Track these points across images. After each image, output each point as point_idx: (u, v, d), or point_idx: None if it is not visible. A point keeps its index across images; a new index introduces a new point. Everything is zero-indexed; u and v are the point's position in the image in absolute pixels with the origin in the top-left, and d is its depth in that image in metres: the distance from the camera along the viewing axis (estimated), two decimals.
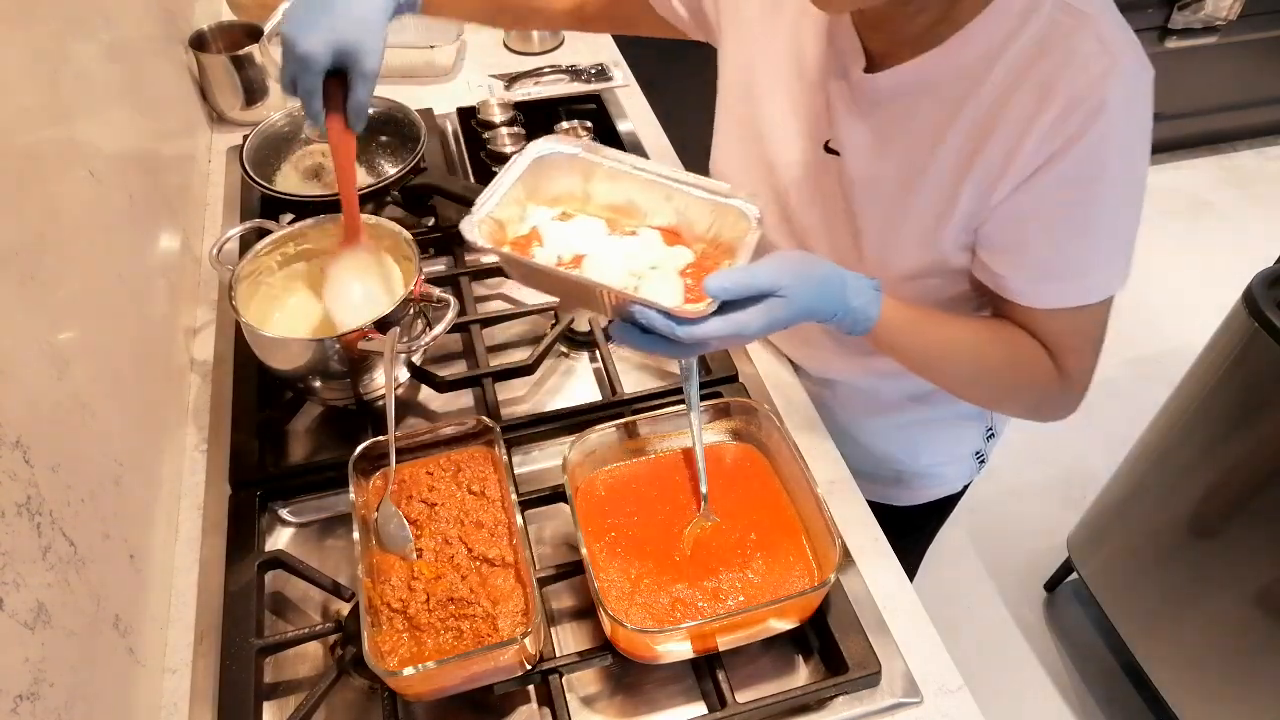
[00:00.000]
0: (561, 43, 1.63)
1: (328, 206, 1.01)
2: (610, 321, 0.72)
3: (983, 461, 1.14)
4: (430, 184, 1.16)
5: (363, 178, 1.15)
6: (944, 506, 1.20)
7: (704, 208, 0.76)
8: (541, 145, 0.79)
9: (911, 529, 1.22)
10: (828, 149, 0.84)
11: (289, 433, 0.98)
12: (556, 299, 0.85)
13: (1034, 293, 0.77)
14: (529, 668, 0.73)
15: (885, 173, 0.81)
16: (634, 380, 1.03)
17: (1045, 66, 0.69)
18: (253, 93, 1.38)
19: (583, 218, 0.79)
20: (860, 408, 1.04)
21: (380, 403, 0.94)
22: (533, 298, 1.10)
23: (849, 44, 0.79)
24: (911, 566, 1.37)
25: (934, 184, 0.77)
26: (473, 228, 0.71)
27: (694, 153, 1.33)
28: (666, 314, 0.64)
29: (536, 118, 1.40)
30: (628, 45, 1.63)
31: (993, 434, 1.10)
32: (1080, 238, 0.74)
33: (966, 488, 1.18)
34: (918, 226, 0.80)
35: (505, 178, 0.76)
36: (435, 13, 1.00)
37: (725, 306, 0.66)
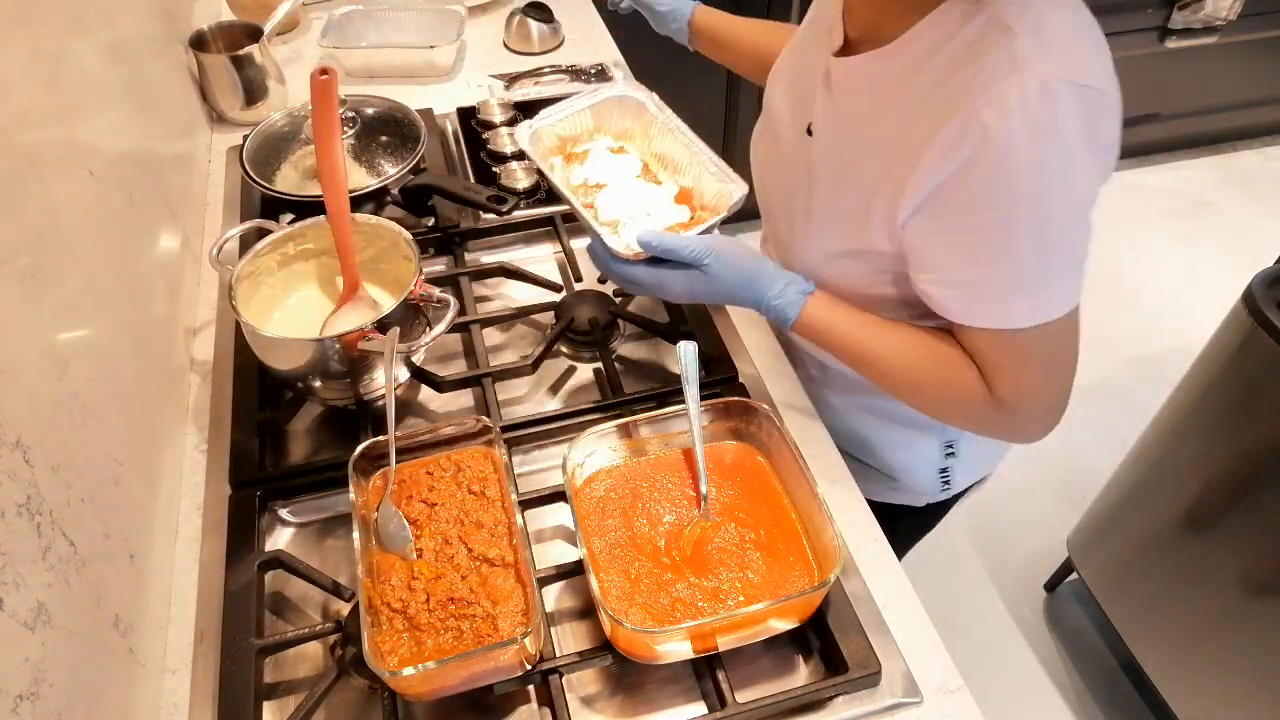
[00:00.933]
0: (561, 42, 1.63)
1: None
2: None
3: (947, 483, 1.11)
4: (430, 184, 1.16)
5: (363, 178, 1.15)
6: (911, 520, 1.18)
7: (712, 181, 0.89)
8: (619, 88, 0.94)
9: (902, 527, 1.21)
10: (809, 132, 0.89)
11: (289, 433, 0.98)
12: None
13: (960, 311, 0.78)
14: (529, 668, 0.73)
15: (834, 156, 0.85)
16: (634, 380, 1.03)
17: (957, 80, 0.69)
18: (253, 93, 1.38)
19: (630, 155, 0.95)
20: (846, 388, 1.05)
21: (380, 403, 0.94)
22: (533, 297, 1.10)
23: (834, 24, 0.83)
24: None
25: (863, 176, 0.80)
26: (526, 135, 0.87)
27: None
28: (607, 249, 0.82)
29: None
30: (628, 45, 1.63)
31: (953, 453, 1.07)
32: (996, 263, 0.73)
33: (933, 508, 1.16)
34: (847, 213, 0.84)
35: (578, 102, 0.91)
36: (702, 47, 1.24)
37: (657, 261, 0.81)
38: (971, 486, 1.16)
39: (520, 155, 1.31)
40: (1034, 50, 0.67)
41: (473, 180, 1.27)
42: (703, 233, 0.85)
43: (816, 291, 0.86)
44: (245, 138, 1.17)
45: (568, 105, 0.91)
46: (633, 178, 0.92)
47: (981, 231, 0.72)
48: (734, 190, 0.86)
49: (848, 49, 0.82)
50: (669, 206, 0.89)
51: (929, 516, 1.20)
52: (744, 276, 0.82)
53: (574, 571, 0.80)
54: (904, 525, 1.19)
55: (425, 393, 1.02)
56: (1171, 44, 2.70)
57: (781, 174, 0.96)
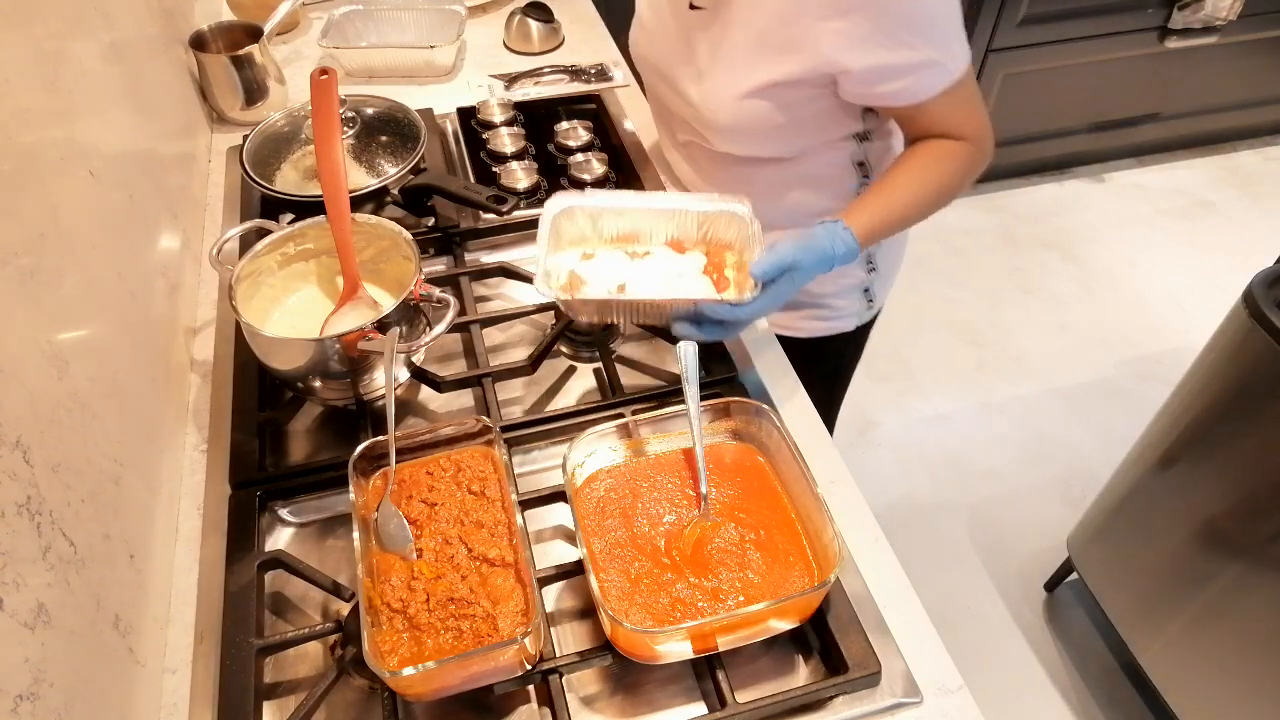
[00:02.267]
0: (561, 42, 1.63)
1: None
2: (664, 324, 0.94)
3: (870, 301, 1.27)
4: (430, 184, 1.15)
5: (363, 178, 1.15)
6: (843, 346, 1.34)
7: (693, 217, 0.99)
8: (557, 202, 0.97)
9: (815, 364, 1.29)
10: (692, 6, 1.03)
11: (289, 433, 0.98)
12: (592, 317, 1.00)
13: (912, 93, 0.94)
14: (529, 668, 0.73)
15: (733, 13, 0.98)
16: (634, 380, 1.03)
17: None
18: (253, 93, 1.38)
19: (602, 252, 1.00)
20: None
21: (380, 403, 0.94)
22: (532, 298, 1.10)
23: None
24: (821, 402, 1.41)
25: (777, 12, 0.94)
26: (545, 285, 0.90)
27: None
28: (731, 304, 0.90)
29: (536, 118, 1.40)
30: (628, 45, 1.63)
31: (874, 268, 1.24)
32: (925, 36, 0.91)
33: (861, 330, 1.32)
34: (759, 53, 0.97)
35: (541, 236, 0.94)
36: None
37: (763, 285, 0.90)
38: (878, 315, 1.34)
39: (520, 155, 1.31)
40: None
41: (473, 180, 1.27)
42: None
43: (840, 216, 0.97)
44: (245, 138, 1.17)
45: (540, 244, 0.94)
46: (629, 265, 0.99)
47: (885, 25, 0.90)
48: (732, 206, 0.97)
49: None
50: (682, 260, 0.99)
51: (859, 340, 1.36)
52: (818, 253, 0.93)
53: (574, 571, 0.80)
54: (839, 354, 1.37)
55: (425, 393, 1.02)
56: (1171, 44, 2.70)
57: (669, 48, 1.09)
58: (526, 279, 1.11)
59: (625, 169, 1.31)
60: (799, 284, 0.93)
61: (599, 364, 1.04)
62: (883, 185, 1.00)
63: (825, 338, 1.29)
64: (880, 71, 0.93)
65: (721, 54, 1.00)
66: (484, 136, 1.35)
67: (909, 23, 0.90)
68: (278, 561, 0.83)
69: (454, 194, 1.14)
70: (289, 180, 1.15)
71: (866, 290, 1.26)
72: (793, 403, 1.00)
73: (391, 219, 0.98)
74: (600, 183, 1.26)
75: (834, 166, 1.12)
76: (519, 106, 1.41)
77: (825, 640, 0.78)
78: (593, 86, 1.50)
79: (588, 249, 0.99)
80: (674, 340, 0.90)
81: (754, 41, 0.97)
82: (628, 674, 0.79)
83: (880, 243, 1.19)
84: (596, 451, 0.84)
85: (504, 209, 1.08)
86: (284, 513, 0.91)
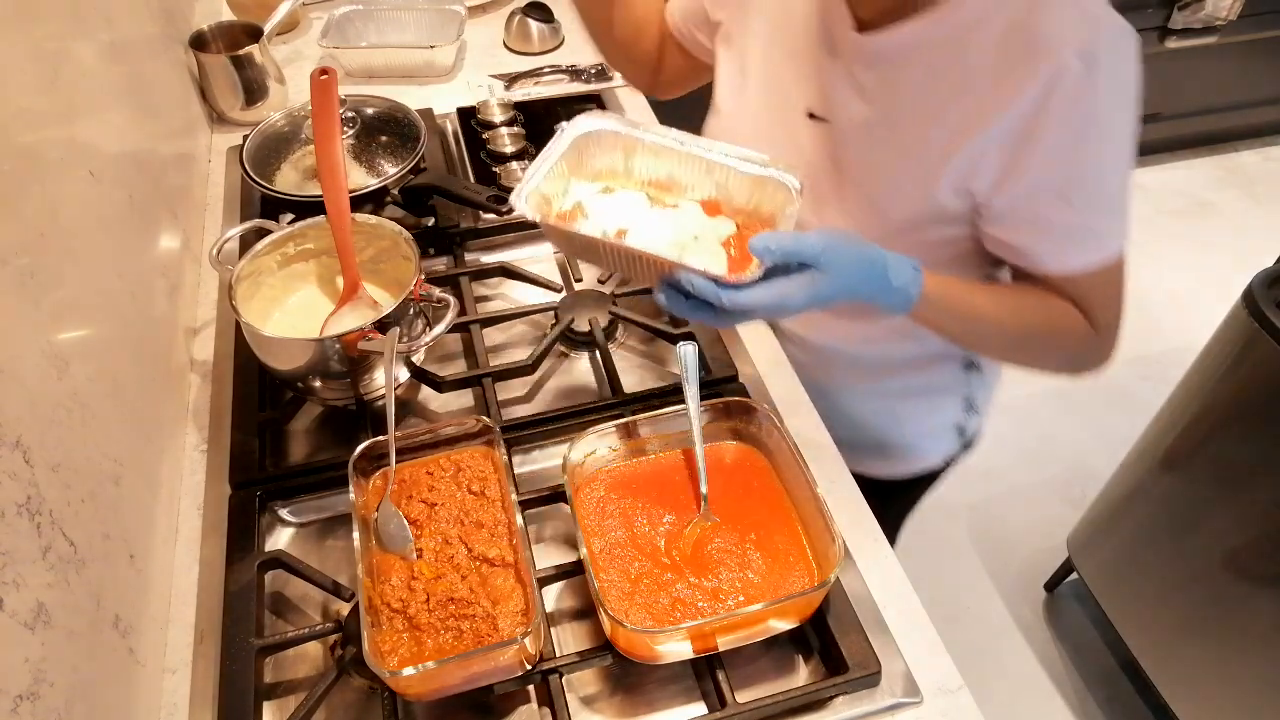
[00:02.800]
0: (561, 42, 1.63)
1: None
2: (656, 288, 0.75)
3: (966, 440, 1.15)
4: (430, 184, 1.15)
5: (363, 178, 1.15)
6: (925, 482, 1.21)
7: (744, 180, 0.81)
8: (584, 122, 0.82)
9: (892, 502, 1.23)
10: (812, 116, 0.89)
11: (289, 433, 0.98)
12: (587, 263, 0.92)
13: (1059, 260, 0.80)
14: (529, 668, 0.73)
15: (874, 131, 0.84)
16: (634, 380, 1.03)
17: (1030, 34, 0.73)
18: (253, 93, 1.38)
19: (625, 192, 0.85)
20: (845, 374, 1.06)
21: (380, 403, 0.94)
22: (533, 298, 1.10)
23: (837, 10, 0.83)
24: (888, 523, 1.38)
25: (927, 139, 0.81)
26: (522, 200, 0.75)
27: None
28: (714, 280, 0.67)
29: (536, 118, 1.40)
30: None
31: (973, 408, 1.11)
32: (1090, 199, 0.77)
33: (949, 465, 1.18)
34: (910, 178, 0.83)
35: (550, 152, 0.80)
36: None
37: (770, 275, 0.68)
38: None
39: (520, 155, 1.31)
40: (1099, 4, 0.74)
41: (473, 180, 1.27)
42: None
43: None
44: (245, 138, 1.17)
45: (541, 161, 0.79)
46: (646, 211, 0.83)
47: (1075, 169, 0.76)
48: (784, 176, 0.78)
49: (860, 28, 0.82)
50: (707, 222, 0.81)
51: (938, 475, 1.21)
52: (862, 264, 0.72)
53: (574, 571, 0.80)
54: (921, 488, 1.23)
55: (425, 393, 1.02)
56: (1171, 44, 2.70)
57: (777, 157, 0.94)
58: (527, 279, 1.11)
59: None
60: (821, 296, 0.69)
61: (599, 364, 1.04)
62: (976, 284, 0.84)
63: (907, 480, 1.17)
64: (1034, 223, 0.79)
65: (858, 180, 0.87)
66: (484, 136, 1.35)
67: (1083, 181, 0.77)
68: (278, 561, 0.83)
69: (454, 194, 1.14)
70: (289, 180, 1.15)
71: (962, 430, 1.11)
72: (793, 403, 1.00)
73: (391, 219, 0.98)
74: None
75: None
76: (519, 106, 1.41)
77: (825, 640, 0.78)
78: (593, 86, 1.50)
79: (611, 184, 0.85)
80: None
81: (902, 168, 0.84)
82: (628, 674, 0.78)
83: (981, 377, 1.06)
84: (596, 451, 0.84)
85: (504, 209, 1.08)
86: (284, 513, 0.91)
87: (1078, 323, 0.83)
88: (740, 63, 0.96)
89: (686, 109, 1.04)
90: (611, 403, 0.96)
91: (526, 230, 1.21)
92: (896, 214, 0.86)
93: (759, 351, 1.05)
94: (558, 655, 0.76)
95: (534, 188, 0.77)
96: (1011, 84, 0.74)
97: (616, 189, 0.85)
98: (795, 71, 0.89)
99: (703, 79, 1.08)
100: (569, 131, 0.82)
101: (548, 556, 0.86)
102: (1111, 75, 0.73)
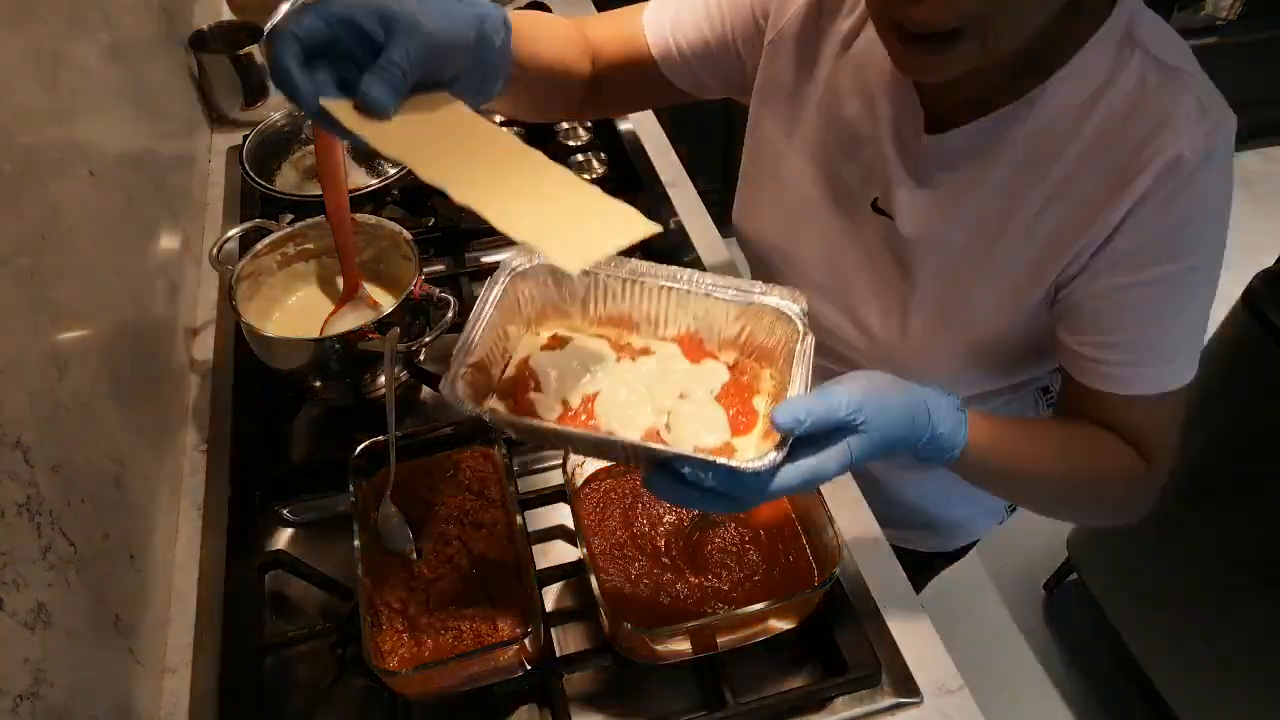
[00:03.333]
0: None
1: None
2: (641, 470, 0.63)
3: (1013, 510, 1.09)
4: (430, 184, 1.15)
5: (363, 178, 1.15)
6: (961, 552, 1.17)
7: (729, 310, 0.65)
8: (518, 260, 0.66)
9: (931, 570, 1.20)
10: (875, 208, 0.78)
11: (289, 433, 0.98)
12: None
13: (1125, 378, 0.71)
14: (529, 668, 0.73)
15: (951, 237, 0.75)
16: None
17: (1138, 129, 0.65)
18: (253, 93, 1.38)
19: (580, 339, 0.67)
20: (896, 464, 0.99)
21: (380, 403, 0.94)
22: None
23: (906, 102, 0.73)
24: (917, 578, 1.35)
25: (1015, 255, 0.72)
26: (452, 386, 0.58)
27: (694, 152, 1.33)
28: (734, 469, 0.53)
29: None
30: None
31: None
32: (1174, 317, 0.69)
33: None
34: (993, 295, 0.74)
35: (480, 310, 0.63)
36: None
37: (795, 445, 0.55)
38: None
39: None
40: (1211, 91, 0.66)
41: None
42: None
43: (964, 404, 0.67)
44: (245, 138, 1.17)
45: (471, 326, 0.63)
46: (612, 365, 0.65)
47: (1171, 284, 0.68)
48: (783, 303, 0.64)
49: (932, 122, 0.73)
50: (692, 372, 0.65)
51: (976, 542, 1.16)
52: (903, 413, 0.59)
53: (574, 571, 0.80)
54: (950, 560, 1.18)
55: (425, 393, 1.02)
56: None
57: (827, 249, 0.84)
58: None
59: (625, 169, 1.31)
60: (858, 459, 0.58)
61: None
62: (1023, 425, 0.73)
63: (949, 552, 1.11)
64: (1111, 332, 0.70)
65: (930, 291, 0.78)
66: None
67: (1173, 295, 0.68)
68: (278, 561, 0.83)
69: None
70: (289, 180, 1.15)
71: (1011, 505, 1.05)
72: None
73: (391, 219, 0.98)
74: (599, 183, 1.26)
75: (1010, 405, 0.92)
76: None
77: (825, 640, 0.77)
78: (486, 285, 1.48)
79: (562, 331, 0.69)
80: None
81: (982, 286, 0.75)
82: (628, 674, 0.78)
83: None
84: None
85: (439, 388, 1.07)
86: (284, 513, 0.91)
87: (1133, 469, 0.74)
88: (786, 125, 0.84)
89: (689, 106, 0.98)
90: None
91: None
92: (973, 334, 0.77)
93: None
94: (558, 655, 0.76)
95: (465, 364, 0.60)
96: (1116, 184, 0.66)
97: (570, 337, 0.67)
98: (858, 161, 0.79)
99: (650, 106, 0.97)
100: (500, 276, 0.65)
101: (548, 556, 0.86)
102: (1220, 184, 0.66)
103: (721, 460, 0.54)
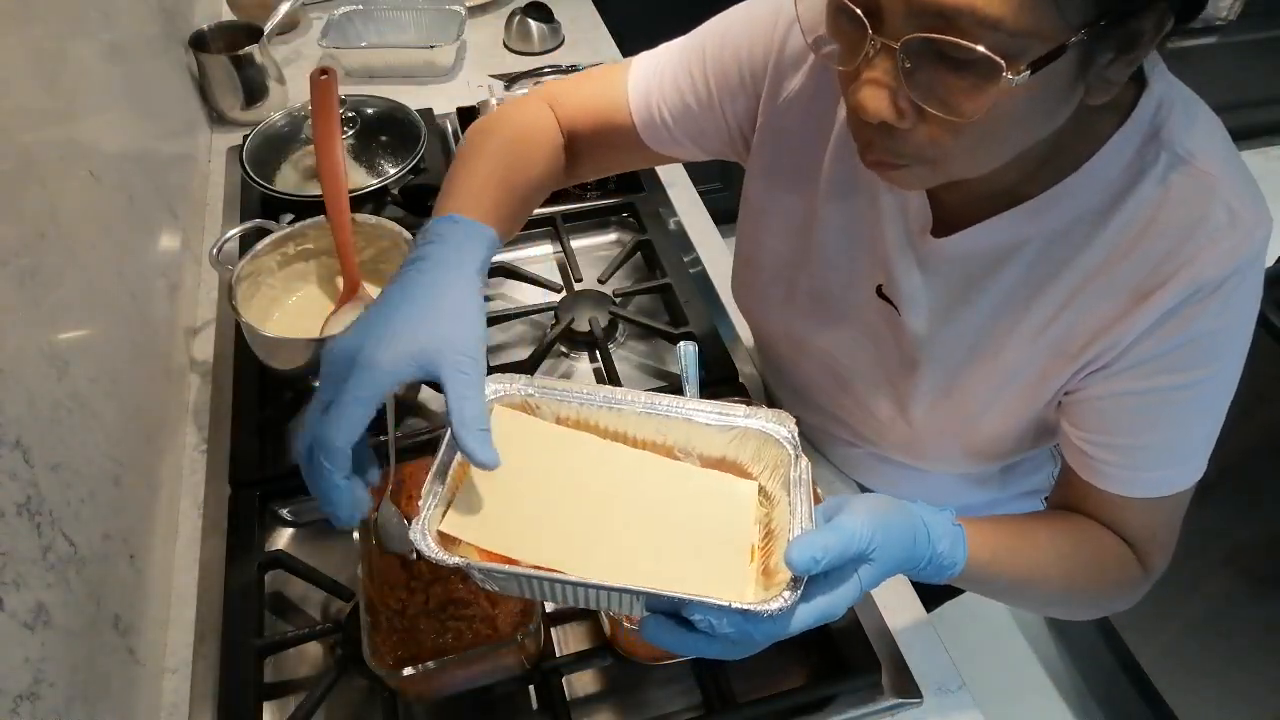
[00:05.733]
0: (561, 43, 1.63)
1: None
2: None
3: None
4: (430, 184, 1.16)
5: (363, 178, 1.15)
6: None
7: (711, 435, 0.61)
8: (490, 387, 0.62)
9: (949, 593, 1.13)
10: (881, 294, 0.74)
11: (289, 433, 0.98)
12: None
13: (1129, 480, 0.68)
14: (529, 668, 0.73)
15: (957, 336, 0.71)
16: (634, 380, 1.03)
17: (1161, 242, 0.60)
18: (253, 93, 1.38)
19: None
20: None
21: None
22: (532, 298, 1.10)
23: (913, 200, 0.69)
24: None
25: (1020, 355, 0.68)
26: (422, 537, 0.54)
27: None
28: (744, 613, 0.50)
29: None
30: (628, 45, 1.63)
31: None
32: (1184, 426, 0.66)
33: None
34: (1000, 396, 0.71)
35: (445, 452, 0.59)
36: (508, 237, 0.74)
37: (805, 583, 0.52)
38: None
39: None
40: (1243, 194, 0.60)
41: None
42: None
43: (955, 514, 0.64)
44: (245, 138, 1.17)
45: (435, 478, 0.58)
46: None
47: (1178, 393, 0.64)
48: (768, 425, 0.60)
49: (940, 221, 0.68)
50: (676, 476, 0.61)
51: None
52: (905, 535, 0.57)
53: None
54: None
55: (425, 393, 1.02)
56: (1171, 44, 2.69)
57: (832, 331, 0.80)
58: (527, 279, 1.11)
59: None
60: (866, 588, 0.55)
61: (599, 364, 1.04)
62: (1019, 531, 0.69)
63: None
64: (1115, 432, 0.66)
65: (935, 386, 0.74)
66: None
67: (1185, 401, 0.65)
68: (278, 561, 0.83)
69: None
70: (289, 180, 1.15)
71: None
72: None
73: (391, 219, 0.98)
74: (599, 186, 1.26)
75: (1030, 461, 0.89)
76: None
77: (825, 640, 0.78)
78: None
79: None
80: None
81: (988, 388, 0.71)
82: (628, 674, 0.78)
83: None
84: None
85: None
86: (284, 513, 0.91)
87: (1129, 570, 0.71)
88: (787, 204, 0.79)
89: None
90: None
91: (527, 230, 1.21)
92: (979, 431, 0.74)
93: (759, 351, 1.05)
94: (558, 655, 0.76)
95: (433, 512, 0.56)
96: (1134, 299, 0.61)
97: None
98: (864, 250, 0.75)
99: (621, 169, 0.92)
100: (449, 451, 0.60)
101: None
102: (1248, 296, 0.62)
103: (737, 605, 0.49)
